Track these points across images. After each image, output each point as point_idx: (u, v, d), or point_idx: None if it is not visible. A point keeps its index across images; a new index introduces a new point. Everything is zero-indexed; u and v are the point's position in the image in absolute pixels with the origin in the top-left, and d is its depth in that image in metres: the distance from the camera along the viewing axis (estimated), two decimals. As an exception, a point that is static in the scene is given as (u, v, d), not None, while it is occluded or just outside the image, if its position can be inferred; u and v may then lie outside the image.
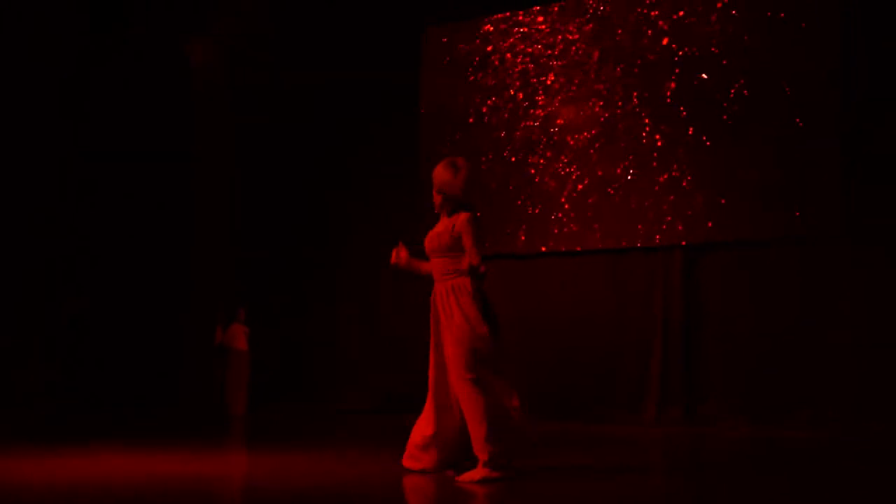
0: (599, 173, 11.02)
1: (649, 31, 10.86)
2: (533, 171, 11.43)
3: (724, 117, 10.32)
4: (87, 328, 11.39)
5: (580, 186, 11.13)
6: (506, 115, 11.71)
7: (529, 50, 11.60)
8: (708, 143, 10.42)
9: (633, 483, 5.41)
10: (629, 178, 10.83)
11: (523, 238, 11.40)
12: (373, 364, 12.25)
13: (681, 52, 10.65)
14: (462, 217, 5.47)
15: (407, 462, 5.59)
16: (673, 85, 10.66)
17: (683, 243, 10.49)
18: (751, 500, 4.85)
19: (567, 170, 11.24)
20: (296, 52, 12.66)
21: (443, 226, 5.59)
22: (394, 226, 12.32)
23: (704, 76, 10.48)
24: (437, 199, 5.65)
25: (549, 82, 11.46)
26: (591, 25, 11.23)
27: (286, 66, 12.66)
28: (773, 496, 4.82)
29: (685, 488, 5.43)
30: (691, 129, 10.53)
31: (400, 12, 12.29)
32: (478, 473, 5.23)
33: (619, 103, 10.98)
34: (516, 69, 11.68)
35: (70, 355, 11.29)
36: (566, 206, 11.19)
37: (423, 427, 5.50)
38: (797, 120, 9.93)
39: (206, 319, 12.18)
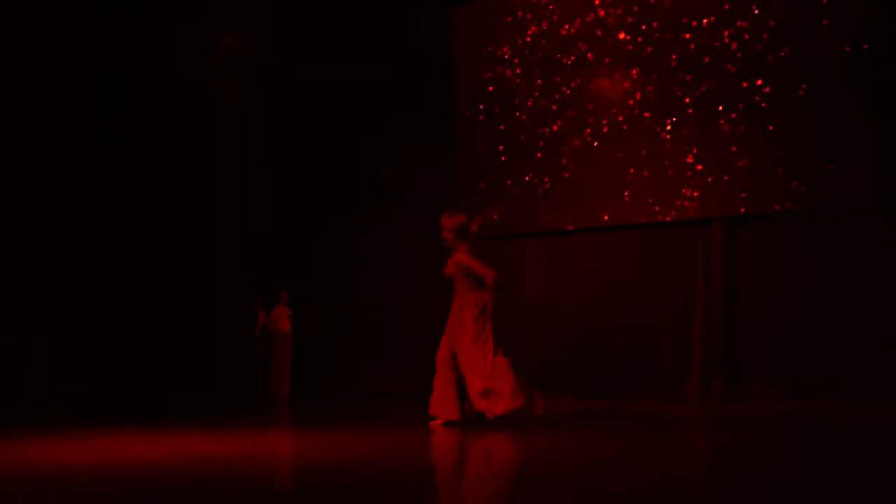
0: (635, 146, 10.88)
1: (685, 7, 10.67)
2: (567, 145, 11.32)
3: (765, 88, 10.13)
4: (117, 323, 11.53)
5: (615, 160, 11.00)
6: (538, 88, 11.59)
7: (564, 23, 11.46)
8: (745, 116, 10.23)
9: (670, 457, 5.39)
10: (665, 150, 10.68)
11: (558, 214, 11.32)
12: (413, 348, 12.28)
13: (722, 26, 10.46)
14: (460, 254, 7.16)
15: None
16: (708, 57, 10.47)
17: (719, 215, 10.33)
18: (788, 473, 4.81)
19: (602, 143, 11.12)
20: (320, 50, 12.74)
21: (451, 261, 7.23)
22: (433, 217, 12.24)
23: (741, 44, 10.29)
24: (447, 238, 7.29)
25: (582, 55, 11.32)
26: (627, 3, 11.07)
27: (316, 64, 12.73)
28: (809, 471, 4.78)
29: (724, 461, 5.40)
30: (728, 101, 10.33)
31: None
32: None
33: (655, 76, 10.81)
34: (550, 42, 11.55)
35: (107, 348, 11.43)
36: (601, 180, 11.08)
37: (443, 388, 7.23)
38: (833, 96, 9.72)
39: (242, 305, 12.31)
